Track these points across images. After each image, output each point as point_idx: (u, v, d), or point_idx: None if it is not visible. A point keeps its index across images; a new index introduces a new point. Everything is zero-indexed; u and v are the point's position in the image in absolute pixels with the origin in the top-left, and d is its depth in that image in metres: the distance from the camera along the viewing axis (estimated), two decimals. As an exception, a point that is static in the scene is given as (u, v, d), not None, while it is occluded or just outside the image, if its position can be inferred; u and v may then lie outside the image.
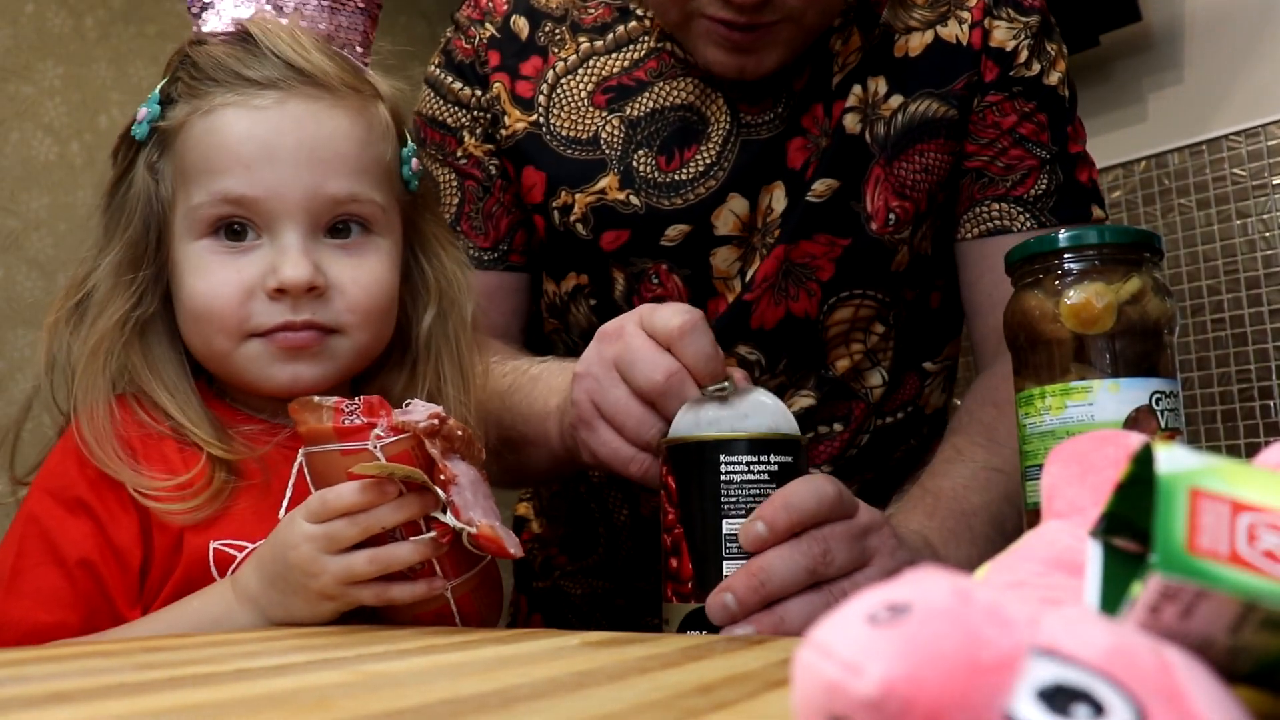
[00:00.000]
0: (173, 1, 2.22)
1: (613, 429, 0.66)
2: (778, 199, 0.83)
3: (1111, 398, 0.59)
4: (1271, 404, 1.80)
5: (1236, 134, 1.87)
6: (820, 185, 0.82)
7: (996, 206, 0.86)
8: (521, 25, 0.90)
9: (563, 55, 0.88)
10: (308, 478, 0.62)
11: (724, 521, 0.62)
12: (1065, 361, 0.61)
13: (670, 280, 0.84)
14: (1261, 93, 1.86)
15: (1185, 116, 1.95)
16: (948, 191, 0.87)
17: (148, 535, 0.65)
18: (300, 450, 0.62)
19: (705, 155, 0.83)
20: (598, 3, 0.90)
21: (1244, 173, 1.86)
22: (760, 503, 0.61)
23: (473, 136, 0.91)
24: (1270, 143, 1.83)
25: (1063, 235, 0.62)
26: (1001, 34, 0.83)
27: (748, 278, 0.83)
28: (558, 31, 0.89)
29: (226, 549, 0.66)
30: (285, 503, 0.63)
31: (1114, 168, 2.02)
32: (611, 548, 0.95)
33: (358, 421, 0.59)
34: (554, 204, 0.86)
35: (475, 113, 0.91)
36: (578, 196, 0.85)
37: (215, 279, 0.66)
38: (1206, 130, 1.91)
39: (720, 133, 0.84)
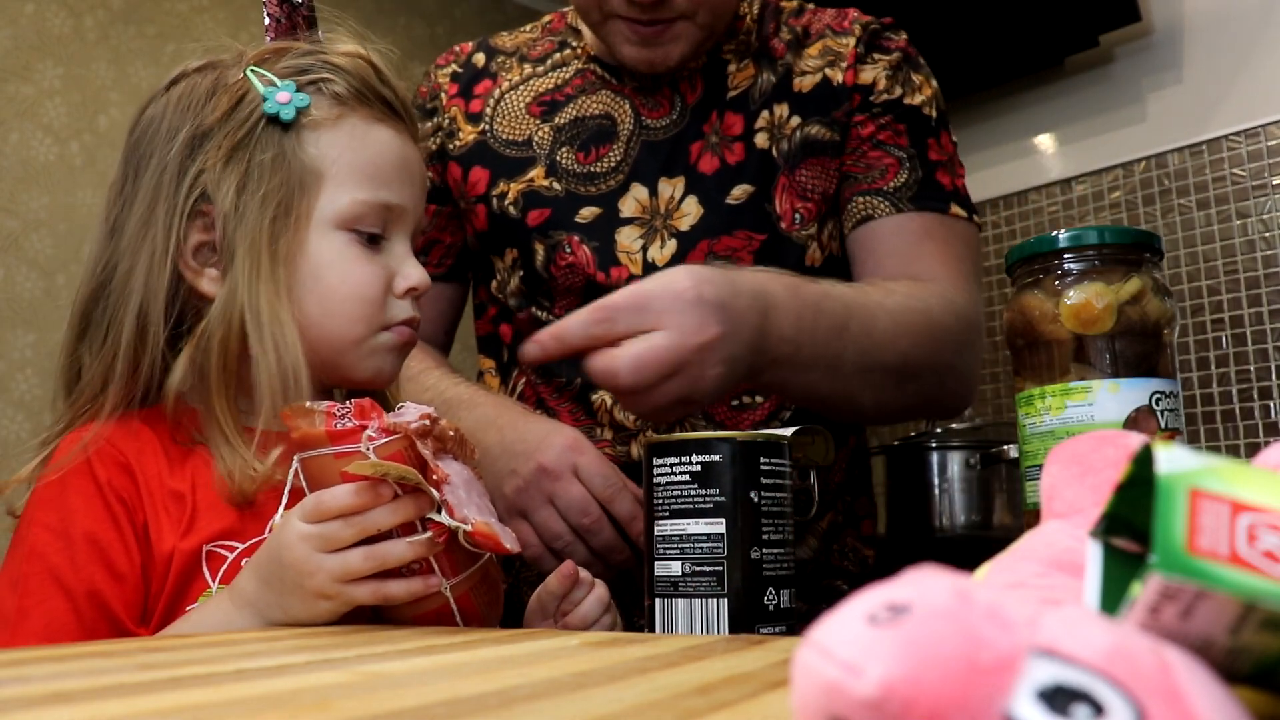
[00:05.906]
0: (173, 2, 2.22)
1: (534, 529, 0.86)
2: (679, 190, 0.99)
3: (1111, 398, 0.59)
4: (1271, 404, 1.80)
5: (1236, 134, 1.87)
6: (738, 190, 0.98)
7: (862, 200, 1.00)
8: (480, 59, 1.12)
9: (509, 78, 1.09)
10: (303, 484, 0.61)
11: (655, 523, 0.64)
12: (1065, 361, 0.61)
13: (580, 250, 0.99)
14: (1261, 93, 1.86)
15: (1185, 116, 1.95)
16: (834, 202, 1.03)
17: (145, 548, 0.66)
18: (295, 457, 0.62)
19: (615, 153, 1.02)
20: (544, 40, 1.11)
21: (1244, 173, 1.86)
22: (684, 504, 0.63)
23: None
24: (1270, 143, 1.83)
25: (1063, 235, 0.62)
26: (866, 74, 1.01)
27: (649, 255, 0.98)
28: (508, 63, 1.11)
29: (218, 550, 0.66)
30: (281, 509, 0.63)
31: (1114, 168, 2.02)
32: None
33: (350, 424, 0.59)
34: (494, 192, 1.03)
35: (424, 141, 1.08)
36: (512, 185, 1.02)
37: (367, 270, 0.72)
38: (1206, 130, 1.91)
39: (626, 133, 1.02)
